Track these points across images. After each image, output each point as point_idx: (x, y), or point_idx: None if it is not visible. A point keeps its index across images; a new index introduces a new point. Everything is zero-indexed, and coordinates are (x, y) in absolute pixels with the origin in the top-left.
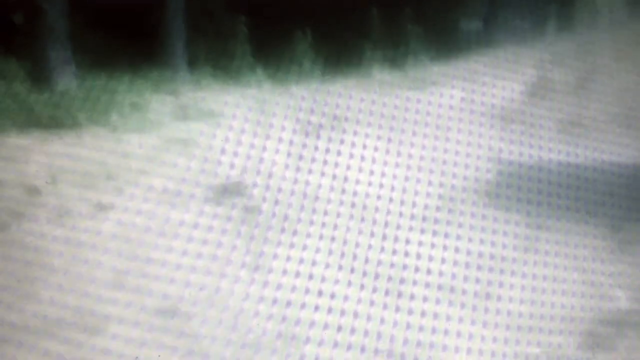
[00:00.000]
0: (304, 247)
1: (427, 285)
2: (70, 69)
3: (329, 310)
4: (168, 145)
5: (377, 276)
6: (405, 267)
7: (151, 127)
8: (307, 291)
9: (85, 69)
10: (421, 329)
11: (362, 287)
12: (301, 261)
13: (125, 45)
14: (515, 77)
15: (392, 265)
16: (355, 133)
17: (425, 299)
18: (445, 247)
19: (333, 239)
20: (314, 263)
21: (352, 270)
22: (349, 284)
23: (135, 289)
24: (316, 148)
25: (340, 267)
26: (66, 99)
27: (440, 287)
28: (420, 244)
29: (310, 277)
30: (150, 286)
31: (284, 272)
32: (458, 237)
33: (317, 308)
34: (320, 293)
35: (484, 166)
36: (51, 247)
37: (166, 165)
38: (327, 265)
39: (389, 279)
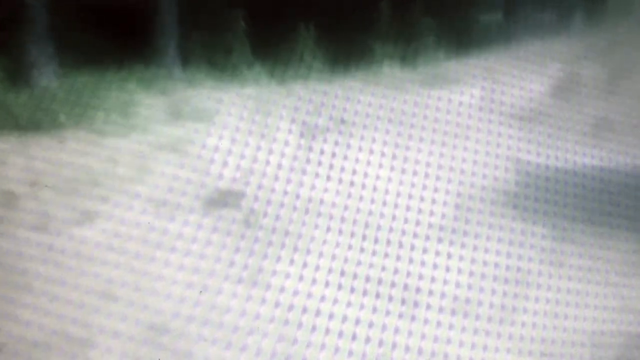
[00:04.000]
0: (308, 252)
1: (443, 295)
2: (52, 67)
3: (327, 331)
4: (159, 149)
5: (377, 295)
6: (421, 277)
7: (140, 130)
8: (304, 310)
9: (69, 67)
10: (436, 339)
11: (363, 296)
12: (303, 274)
13: (112, 41)
14: (538, 75)
15: (407, 276)
16: (363, 136)
17: (440, 310)
18: (460, 257)
19: (337, 244)
20: (317, 268)
21: (352, 290)
22: (349, 304)
23: (124, 302)
24: (321, 152)
25: (342, 277)
26: (47, 99)
27: (455, 298)
28: (436, 253)
29: (310, 294)
30: (141, 300)
31: (282, 289)
32: (475, 248)
33: (314, 328)
34: (318, 312)
35: (504, 173)
36: (33, 254)
37: (156, 170)
38: (330, 271)
39: (390, 298)
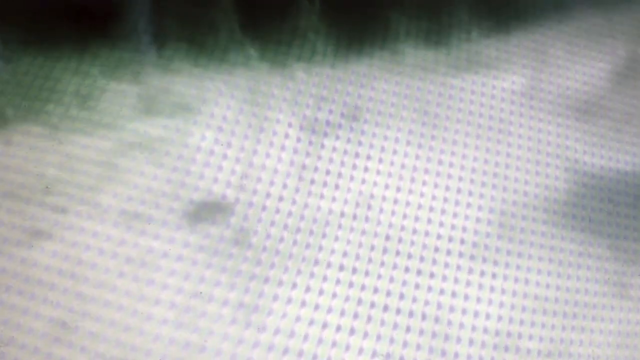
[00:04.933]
0: (307, 289)
1: (476, 343)
2: None
3: None
4: (128, 151)
5: (395, 325)
6: (451, 310)
7: (105, 127)
8: (305, 338)
9: (18, 49)
10: None
11: (378, 337)
12: (305, 298)
13: (71, 18)
14: (598, 57)
15: (425, 313)
16: (377, 134)
17: (477, 344)
18: (503, 290)
19: (343, 268)
20: (316, 307)
21: (370, 319)
22: (352, 331)
23: (85, 333)
24: (328, 155)
25: (345, 302)
26: None
27: (495, 347)
28: (467, 283)
29: (312, 321)
30: (103, 332)
31: (283, 315)
32: (518, 267)
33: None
34: (320, 341)
35: (555, 177)
36: None
37: (125, 178)
38: (333, 311)
39: (408, 328)
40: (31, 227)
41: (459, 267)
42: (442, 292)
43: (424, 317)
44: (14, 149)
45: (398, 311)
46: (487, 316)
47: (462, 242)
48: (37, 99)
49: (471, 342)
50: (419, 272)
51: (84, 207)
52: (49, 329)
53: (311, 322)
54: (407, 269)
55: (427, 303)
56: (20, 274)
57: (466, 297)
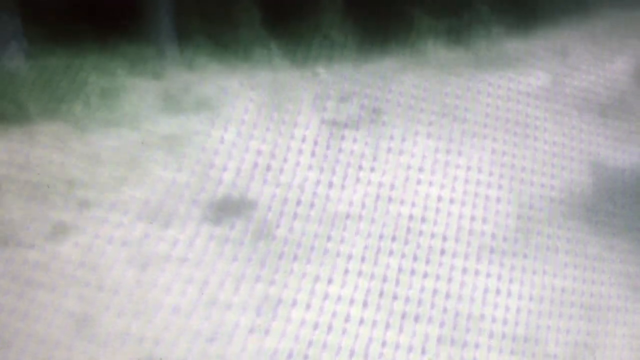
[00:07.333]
0: (330, 281)
1: (495, 348)
2: (19, 45)
3: None
4: (150, 147)
5: (414, 333)
6: (470, 316)
7: (127, 123)
8: (324, 345)
9: (40, 45)
10: None
11: (399, 334)
12: (323, 305)
13: (92, 14)
14: (619, 56)
15: (450, 310)
16: (403, 129)
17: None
18: (519, 294)
19: (372, 276)
20: (339, 298)
21: (388, 325)
22: (371, 339)
23: (106, 327)
24: (347, 146)
25: (364, 308)
26: (14, 84)
27: (513, 352)
28: (486, 286)
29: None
30: (125, 326)
31: (302, 322)
32: (534, 272)
33: None
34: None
35: (577, 176)
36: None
37: (147, 173)
38: (351, 302)
39: (426, 336)
40: (54, 220)
41: (477, 272)
42: (460, 298)
43: (442, 324)
44: (37, 143)
45: (417, 318)
46: (505, 322)
47: (481, 247)
48: (60, 96)
49: (490, 348)
50: (437, 277)
51: (107, 200)
52: (70, 323)
53: (334, 314)
54: (426, 274)
55: (445, 310)
56: (42, 267)
57: (484, 303)
